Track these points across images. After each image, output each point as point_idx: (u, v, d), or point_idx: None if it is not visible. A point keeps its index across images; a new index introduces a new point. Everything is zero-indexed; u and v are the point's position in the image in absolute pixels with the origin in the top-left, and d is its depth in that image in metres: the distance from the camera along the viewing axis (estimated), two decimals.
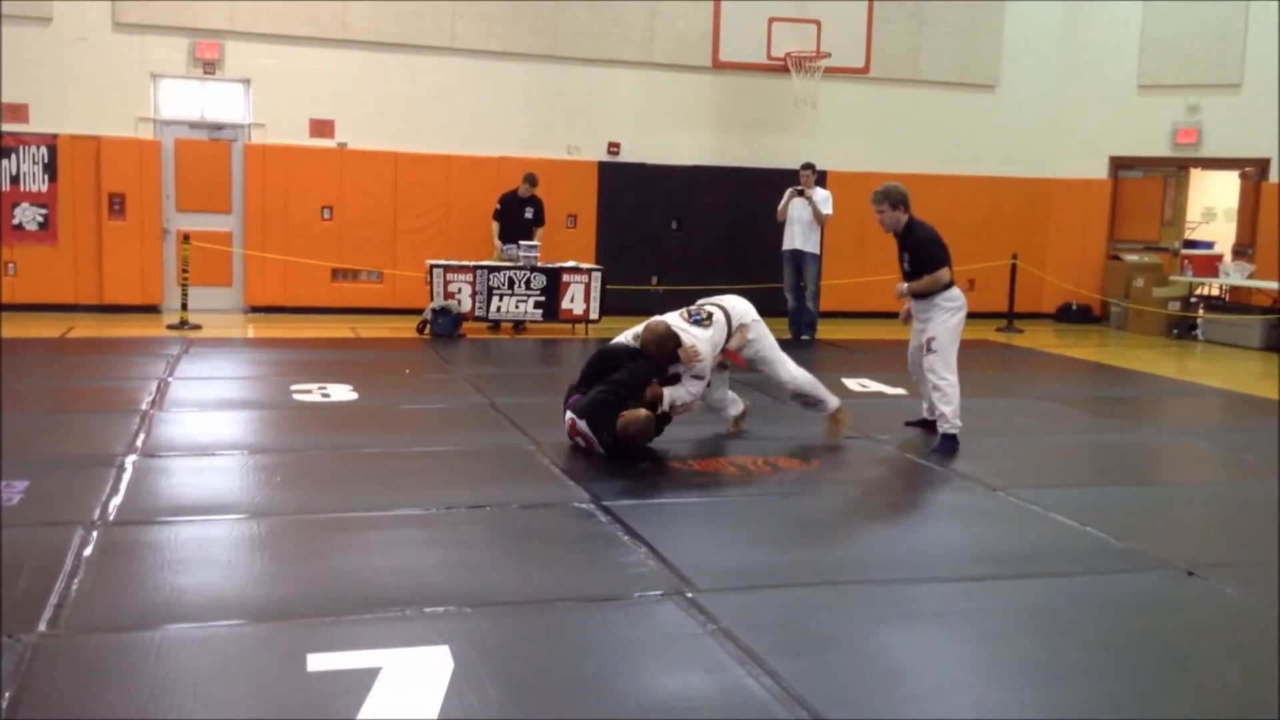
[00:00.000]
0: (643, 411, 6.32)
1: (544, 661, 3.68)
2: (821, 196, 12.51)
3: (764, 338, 7.03)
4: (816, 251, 12.67)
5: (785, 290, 12.78)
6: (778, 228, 14.69)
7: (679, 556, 4.73)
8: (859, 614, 4.27)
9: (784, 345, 7.39)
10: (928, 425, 7.38)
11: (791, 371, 7.10)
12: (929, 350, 7.06)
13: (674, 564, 4.63)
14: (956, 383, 6.97)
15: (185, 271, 12.19)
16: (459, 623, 3.93)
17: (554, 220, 13.66)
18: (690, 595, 4.28)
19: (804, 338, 12.70)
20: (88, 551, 4.56)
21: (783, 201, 12.59)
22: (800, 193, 12.47)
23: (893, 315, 14.87)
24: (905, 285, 7.23)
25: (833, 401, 7.23)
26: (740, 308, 7.00)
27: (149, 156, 12.80)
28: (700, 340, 6.59)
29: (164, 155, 12.94)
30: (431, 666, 3.54)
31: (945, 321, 7.07)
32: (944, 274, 7.11)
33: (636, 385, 6.41)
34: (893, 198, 7.21)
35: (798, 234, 12.56)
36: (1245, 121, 14.73)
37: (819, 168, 12.70)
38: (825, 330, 14.09)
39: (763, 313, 7.23)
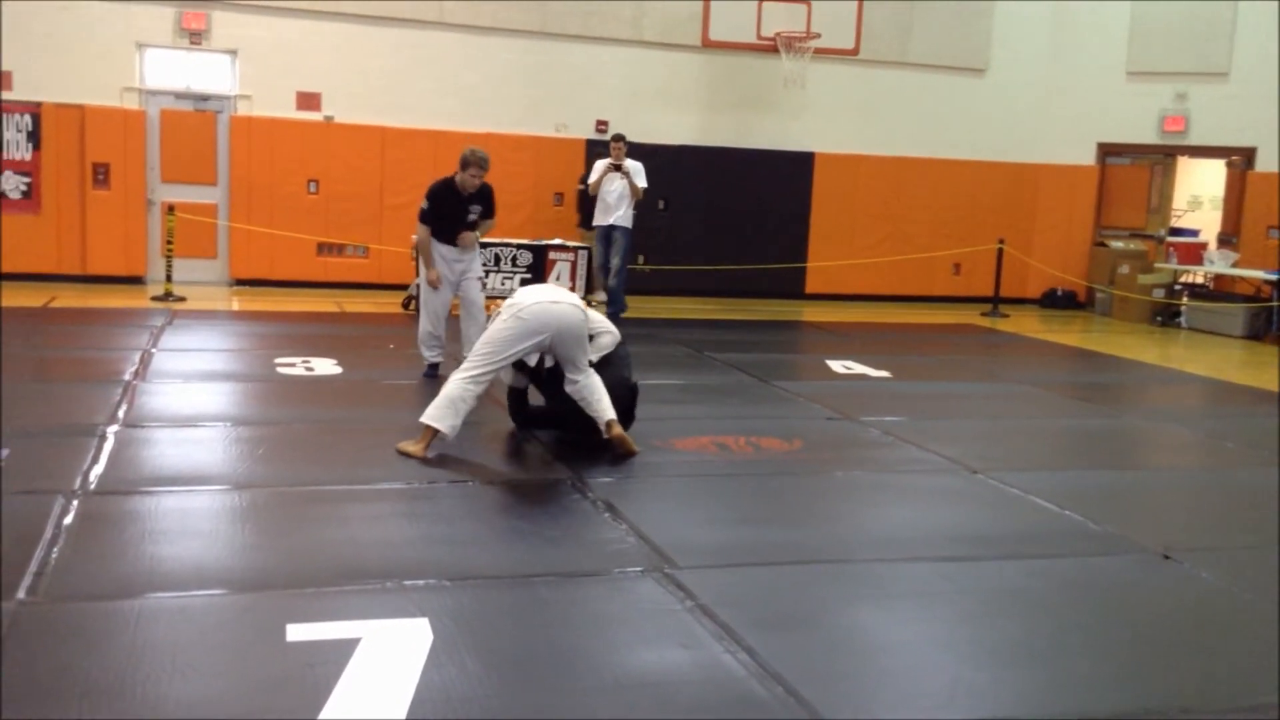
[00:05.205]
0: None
1: (522, 635, 3.70)
2: (635, 168, 12.02)
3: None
4: (629, 226, 12.11)
5: (597, 268, 12.25)
6: (764, 208, 14.72)
7: (659, 534, 4.75)
8: (837, 593, 4.29)
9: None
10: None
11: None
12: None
13: (654, 541, 4.65)
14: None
15: (170, 243, 12.12)
16: (438, 596, 3.94)
17: (541, 198, 13.65)
18: (669, 572, 4.29)
19: (620, 314, 11.97)
20: (68, 520, 4.55)
21: (595, 175, 12.05)
22: (616, 167, 11.95)
23: (877, 297, 15.05)
24: (474, 234, 8.20)
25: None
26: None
27: (134, 126, 12.71)
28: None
29: (149, 125, 12.85)
30: (410, 638, 3.55)
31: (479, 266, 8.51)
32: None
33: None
34: (488, 165, 8.05)
35: (613, 209, 12.01)
36: (1232, 110, 14.78)
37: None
38: (811, 312, 14.14)
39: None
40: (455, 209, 8.08)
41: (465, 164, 7.94)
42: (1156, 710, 3.43)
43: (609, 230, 12.08)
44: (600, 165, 12.08)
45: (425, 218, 8.12)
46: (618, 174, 11.95)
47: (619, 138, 12.12)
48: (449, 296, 8.29)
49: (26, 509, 4.63)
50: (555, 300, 6.04)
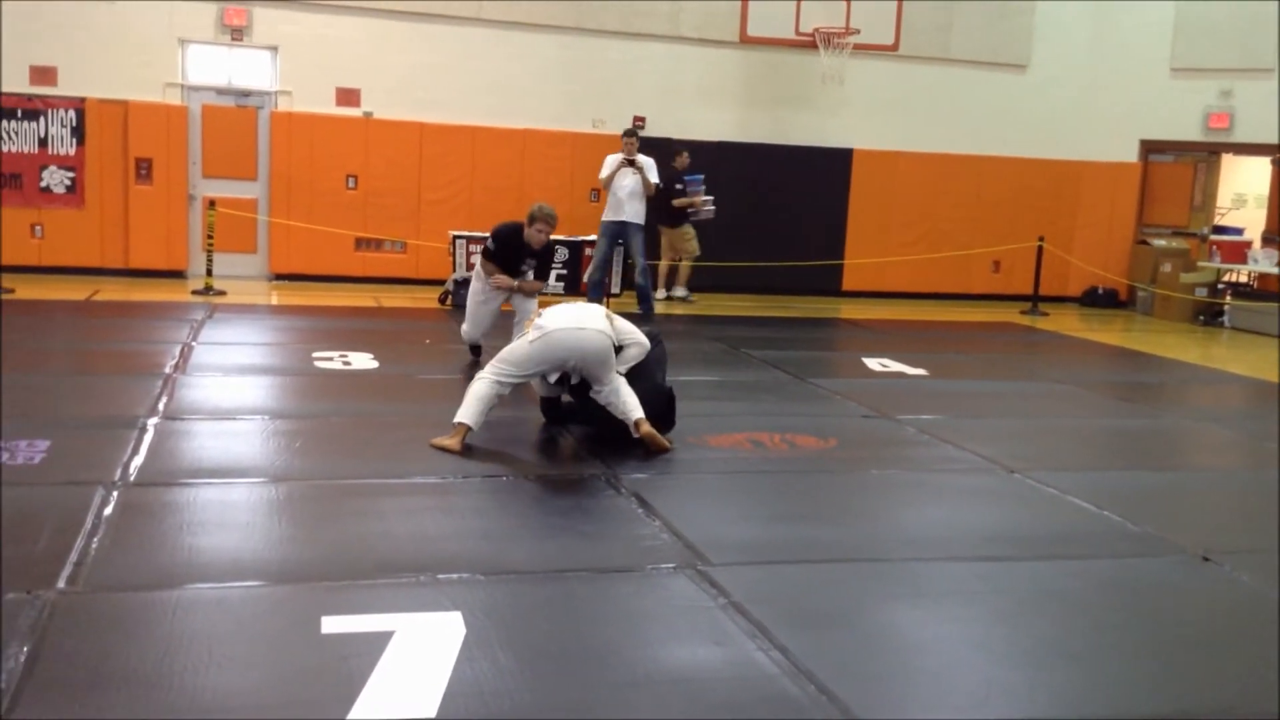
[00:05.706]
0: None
1: (555, 630, 3.71)
2: (647, 164, 11.84)
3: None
4: (641, 222, 11.91)
5: (595, 264, 11.97)
6: (801, 204, 14.66)
7: (693, 530, 4.74)
8: (872, 591, 4.27)
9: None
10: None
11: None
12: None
13: (687, 537, 4.65)
14: None
15: (211, 237, 12.25)
16: (472, 590, 3.96)
17: (577, 194, 13.67)
18: (702, 568, 4.29)
19: (650, 314, 11.86)
20: (108, 511, 4.61)
21: (608, 170, 11.84)
22: (630, 162, 11.75)
23: (915, 295, 14.95)
24: (519, 281, 8.40)
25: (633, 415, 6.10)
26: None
27: (176, 122, 12.84)
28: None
29: (191, 121, 12.98)
30: (444, 632, 3.56)
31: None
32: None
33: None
34: (555, 221, 8.24)
35: (625, 205, 11.79)
36: (1278, 107, 14.53)
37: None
38: (848, 309, 14.06)
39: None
40: (514, 254, 8.28)
41: (532, 219, 8.08)
42: (1193, 713, 3.39)
43: (621, 227, 11.87)
44: (612, 160, 11.91)
45: (489, 256, 8.35)
46: (630, 169, 11.80)
47: (632, 132, 12.00)
48: (496, 309, 8.51)
49: (67, 499, 4.69)
50: (580, 326, 6.05)
